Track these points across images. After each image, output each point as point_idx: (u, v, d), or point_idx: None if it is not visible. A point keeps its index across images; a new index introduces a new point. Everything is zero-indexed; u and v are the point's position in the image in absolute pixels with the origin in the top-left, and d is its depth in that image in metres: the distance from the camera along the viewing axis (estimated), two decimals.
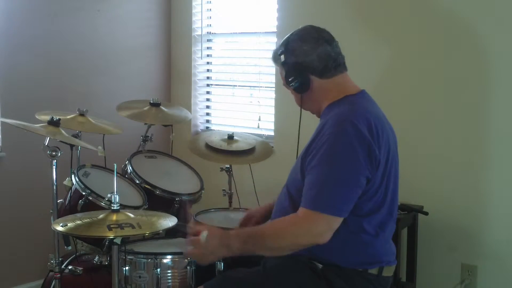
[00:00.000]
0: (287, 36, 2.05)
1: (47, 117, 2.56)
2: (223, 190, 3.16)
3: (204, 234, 1.86)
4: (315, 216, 1.80)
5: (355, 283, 1.91)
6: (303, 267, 1.92)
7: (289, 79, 2.00)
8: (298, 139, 2.11)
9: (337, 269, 1.90)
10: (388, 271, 1.98)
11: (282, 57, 2.01)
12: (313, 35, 2.01)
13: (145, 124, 3.18)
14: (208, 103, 4.08)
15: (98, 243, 2.62)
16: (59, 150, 2.44)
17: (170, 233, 2.60)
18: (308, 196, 1.83)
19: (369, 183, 1.85)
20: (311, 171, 1.85)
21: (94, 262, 2.72)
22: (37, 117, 2.75)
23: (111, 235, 1.92)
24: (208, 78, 4.08)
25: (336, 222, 1.81)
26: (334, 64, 1.99)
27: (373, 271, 1.93)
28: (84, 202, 2.57)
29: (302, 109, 2.11)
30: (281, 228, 1.85)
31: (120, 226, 1.94)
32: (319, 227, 1.80)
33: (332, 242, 1.82)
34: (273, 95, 3.61)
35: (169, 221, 2.06)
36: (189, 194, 2.93)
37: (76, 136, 2.83)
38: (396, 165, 1.98)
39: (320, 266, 1.91)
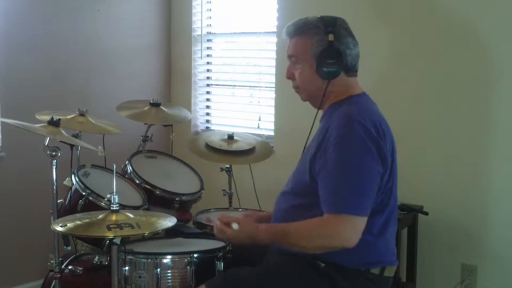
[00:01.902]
0: (330, 16, 2.00)
1: (47, 117, 2.56)
2: (223, 190, 3.16)
3: (235, 226, 1.91)
4: (342, 219, 1.79)
5: (357, 283, 1.92)
6: (306, 265, 1.93)
7: (328, 60, 1.92)
8: (308, 136, 2.06)
9: (340, 268, 1.91)
10: (390, 272, 1.99)
11: (332, 36, 1.93)
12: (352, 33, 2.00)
13: (145, 124, 3.17)
14: (208, 103, 4.08)
15: (98, 243, 2.62)
16: (59, 150, 2.44)
17: (170, 233, 2.61)
18: (330, 201, 1.82)
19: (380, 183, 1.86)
20: (328, 176, 1.83)
21: (94, 262, 2.72)
22: (37, 117, 2.75)
23: (110, 235, 1.92)
24: (208, 78, 4.08)
25: (362, 222, 1.81)
26: (357, 66, 2.01)
27: (375, 270, 1.94)
28: (84, 202, 2.57)
29: (301, 99, 2.08)
30: (310, 231, 1.85)
31: (119, 226, 1.94)
32: (346, 230, 1.79)
33: None
34: (273, 95, 3.61)
35: (169, 221, 2.06)
36: (189, 194, 2.93)
37: (76, 136, 2.83)
38: (396, 165, 1.99)
39: (322, 265, 1.92)
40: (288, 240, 1.88)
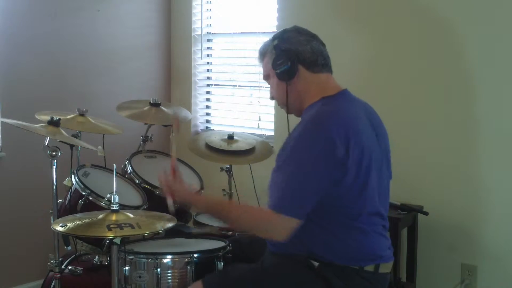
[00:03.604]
0: (282, 29, 2.10)
1: (47, 117, 2.56)
2: (223, 190, 3.16)
3: (170, 208, 2.07)
4: (280, 218, 1.84)
5: (352, 281, 1.92)
6: (301, 266, 1.93)
7: (278, 62, 2.01)
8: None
9: (334, 267, 1.91)
10: (385, 268, 1.98)
11: (276, 41, 2.03)
12: (308, 31, 2.07)
13: (145, 124, 3.17)
14: (208, 103, 4.08)
15: (98, 243, 2.62)
16: (59, 150, 2.45)
17: (170, 233, 2.61)
18: (274, 197, 1.88)
19: (340, 186, 1.85)
20: (278, 170, 1.90)
21: (94, 262, 2.72)
22: (37, 117, 2.75)
23: (110, 235, 1.92)
24: (208, 78, 4.08)
25: (295, 224, 1.85)
26: (323, 61, 2.03)
27: (369, 268, 1.94)
28: (84, 202, 2.57)
29: (282, 109, 2.12)
30: (245, 218, 1.94)
31: (119, 226, 1.94)
32: (278, 228, 1.86)
33: (328, 241, 1.87)
34: None
35: (169, 222, 2.07)
36: None
37: (76, 136, 2.83)
38: (380, 163, 1.97)
39: (316, 264, 1.92)
40: (225, 218, 2.03)
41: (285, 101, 2.05)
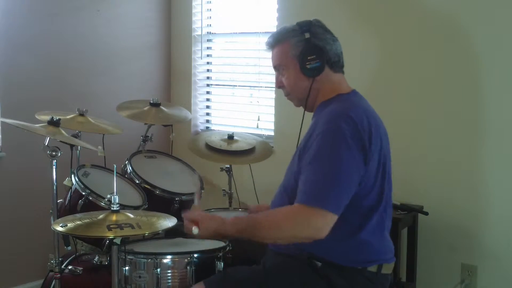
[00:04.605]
0: (304, 20, 2.03)
1: (47, 117, 2.56)
2: (223, 190, 3.16)
3: (194, 231, 1.89)
4: (314, 211, 1.78)
5: (354, 281, 1.92)
6: (303, 266, 1.93)
7: (309, 57, 1.96)
8: (298, 137, 2.09)
9: (337, 267, 1.91)
10: (387, 269, 1.98)
11: (308, 34, 1.98)
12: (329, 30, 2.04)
13: (145, 124, 3.18)
14: (208, 103, 4.08)
15: (98, 243, 2.62)
16: (59, 150, 2.45)
17: (170, 233, 2.61)
18: (305, 191, 1.81)
19: (364, 180, 1.86)
20: (308, 167, 1.84)
21: (94, 262, 2.72)
22: (37, 117, 2.75)
23: (110, 235, 1.92)
24: (208, 78, 4.08)
25: (333, 219, 1.79)
26: (342, 62, 2.05)
27: (372, 268, 1.94)
28: (84, 202, 2.57)
29: (295, 106, 2.10)
30: (279, 221, 1.83)
31: (119, 226, 1.94)
32: (317, 222, 1.78)
33: (331, 241, 1.82)
34: (273, 95, 3.61)
35: (169, 222, 2.07)
36: (189, 194, 2.93)
37: (76, 136, 2.83)
38: (389, 163, 1.99)
39: (319, 264, 1.92)
40: (257, 230, 1.84)
41: (306, 96, 2.02)
